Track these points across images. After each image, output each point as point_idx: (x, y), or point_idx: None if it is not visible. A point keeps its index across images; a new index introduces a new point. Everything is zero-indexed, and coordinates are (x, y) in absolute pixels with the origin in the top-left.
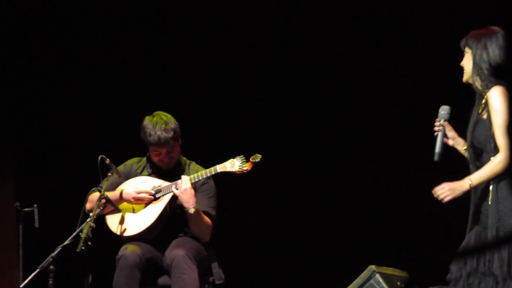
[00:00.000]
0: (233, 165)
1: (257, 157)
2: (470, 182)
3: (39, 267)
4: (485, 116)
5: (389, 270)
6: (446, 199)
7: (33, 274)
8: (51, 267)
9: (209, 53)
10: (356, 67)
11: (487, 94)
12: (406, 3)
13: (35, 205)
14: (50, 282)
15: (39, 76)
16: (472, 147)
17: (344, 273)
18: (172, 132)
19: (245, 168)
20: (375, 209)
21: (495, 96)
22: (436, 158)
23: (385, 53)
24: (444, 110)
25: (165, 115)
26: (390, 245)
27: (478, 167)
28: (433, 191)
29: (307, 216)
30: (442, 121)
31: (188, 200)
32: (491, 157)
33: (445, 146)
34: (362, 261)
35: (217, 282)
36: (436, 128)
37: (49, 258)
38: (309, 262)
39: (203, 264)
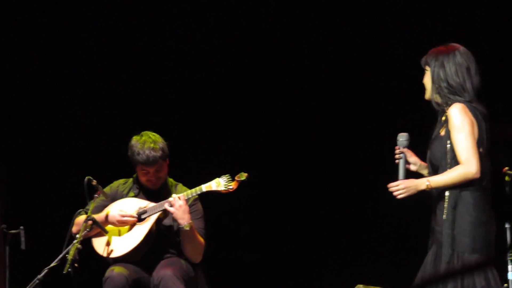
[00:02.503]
0: (219, 184)
1: (243, 176)
2: (428, 183)
3: None
4: (442, 133)
5: None
6: (400, 197)
7: None
8: None
9: (192, 75)
10: (342, 74)
11: (447, 111)
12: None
13: (21, 227)
14: None
15: (25, 97)
16: (430, 163)
17: None
18: (160, 151)
19: (230, 187)
20: (363, 227)
21: (455, 113)
22: None
23: (376, 56)
24: (402, 137)
25: (153, 135)
26: (377, 264)
27: None
28: (388, 186)
29: (292, 236)
30: (401, 148)
31: (183, 217)
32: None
33: (408, 172)
34: (348, 280)
35: None
36: (397, 156)
37: (35, 280)
38: (296, 282)
39: (191, 284)
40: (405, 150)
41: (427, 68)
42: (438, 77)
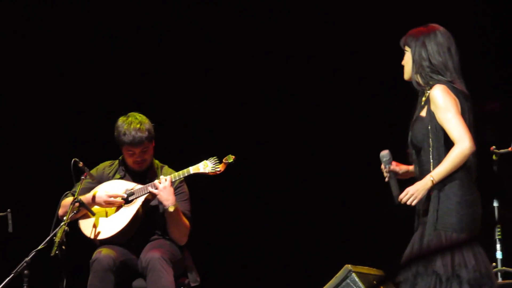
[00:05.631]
0: (206, 166)
1: (230, 158)
2: (432, 179)
3: (13, 272)
4: (423, 114)
5: (365, 269)
6: (414, 202)
7: (7, 279)
8: (25, 271)
9: (179, 57)
10: (337, 65)
11: (428, 92)
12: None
13: (8, 210)
14: (25, 286)
15: (10, 80)
16: (412, 145)
17: (320, 273)
18: (146, 132)
19: (218, 169)
20: (350, 209)
21: (438, 93)
22: (396, 201)
23: (375, 56)
24: (385, 157)
25: (140, 116)
26: (366, 244)
27: (418, 165)
28: (399, 199)
29: (281, 216)
30: (388, 168)
31: (168, 198)
32: (428, 154)
33: (401, 181)
34: (337, 260)
35: (193, 284)
36: (385, 175)
37: (23, 263)
38: (284, 262)
39: (178, 266)
40: (392, 167)
41: (407, 48)
42: (420, 57)
